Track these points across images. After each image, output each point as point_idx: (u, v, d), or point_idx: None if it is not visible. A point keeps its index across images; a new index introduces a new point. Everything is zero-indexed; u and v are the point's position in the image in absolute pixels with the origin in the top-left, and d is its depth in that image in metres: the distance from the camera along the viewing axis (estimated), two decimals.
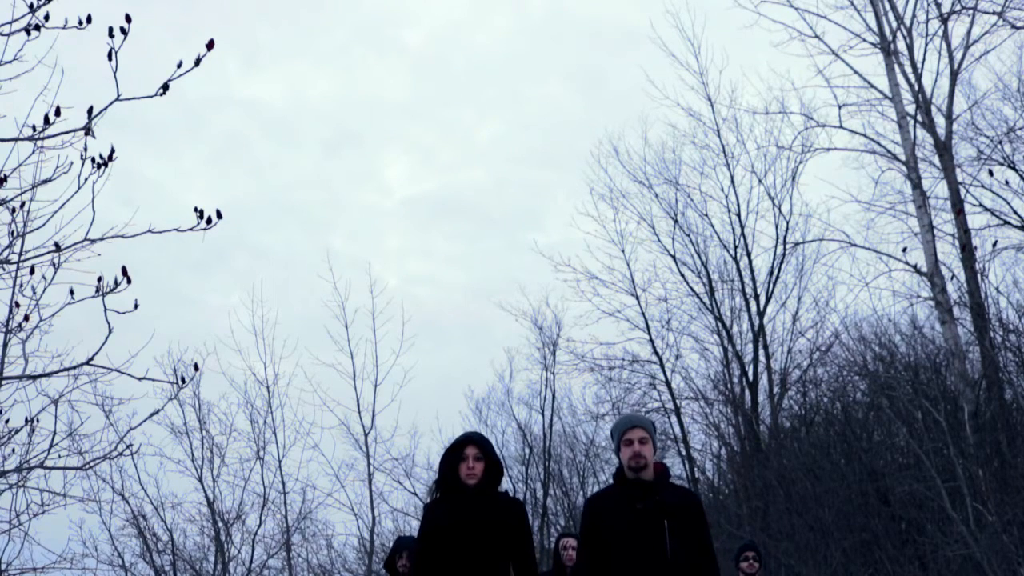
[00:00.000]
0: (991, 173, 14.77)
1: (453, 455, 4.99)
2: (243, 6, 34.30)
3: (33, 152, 5.60)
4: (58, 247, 5.76)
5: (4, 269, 6.19)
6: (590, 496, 5.24)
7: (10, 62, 5.49)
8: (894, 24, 15.99)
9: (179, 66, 5.25)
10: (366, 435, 18.74)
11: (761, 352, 18.06)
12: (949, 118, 15.34)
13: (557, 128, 32.16)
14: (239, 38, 32.73)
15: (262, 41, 33.65)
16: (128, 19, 5.12)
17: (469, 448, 4.97)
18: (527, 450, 21.54)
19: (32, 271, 6.03)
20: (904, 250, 14.65)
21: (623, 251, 19.38)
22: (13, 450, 7.11)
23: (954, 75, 15.46)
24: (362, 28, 34.67)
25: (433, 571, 4.85)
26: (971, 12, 15.35)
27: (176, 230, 5.62)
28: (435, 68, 33.22)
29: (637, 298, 19.20)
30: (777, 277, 18.26)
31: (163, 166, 30.99)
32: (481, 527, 4.82)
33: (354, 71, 34.05)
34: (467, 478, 4.91)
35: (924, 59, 15.78)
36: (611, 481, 5.25)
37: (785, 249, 18.22)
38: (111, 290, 5.57)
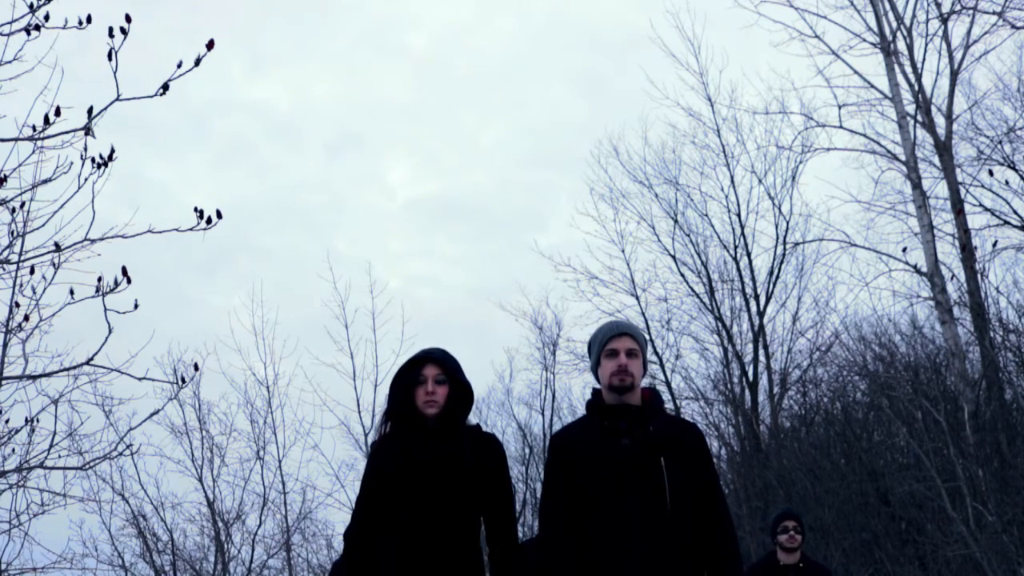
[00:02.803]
0: (991, 173, 14.77)
1: (407, 377, 3.83)
2: (247, 10, 34.37)
3: (33, 152, 5.60)
4: (58, 247, 5.76)
5: (4, 269, 6.19)
6: (556, 432, 3.88)
7: (10, 62, 5.49)
8: (894, 24, 16.01)
9: (179, 66, 5.25)
10: (366, 435, 18.72)
11: (761, 352, 18.06)
12: (949, 118, 15.34)
13: (559, 131, 32.21)
14: (244, 42, 32.80)
15: (266, 45, 33.73)
16: (128, 19, 5.13)
17: (428, 367, 3.81)
18: (527, 450, 21.57)
19: (32, 271, 6.04)
20: (904, 250, 14.66)
21: (623, 251, 19.40)
22: (13, 450, 7.11)
23: (954, 75, 15.46)
24: (366, 32, 34.76)
25: (378, 528, 3.72)
26: (971, 12, 15.37)
27: (176, 230, 5.63)
28: (438, 71, 33.30)
29: (637, 298, 19.20)
30: (777, 277, 18.28)
31: (168, 168, 31.09)
32: (443, 469, 3.69)
33: (358, 74, 34.15)
34: (425, 406, 3.76)
35: (924, 59, 15.81)
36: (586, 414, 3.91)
37: (785, 249, 18.24)
38: (111, 290, 5.57)
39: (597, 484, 3.58)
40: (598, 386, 3.89)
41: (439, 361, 3.85)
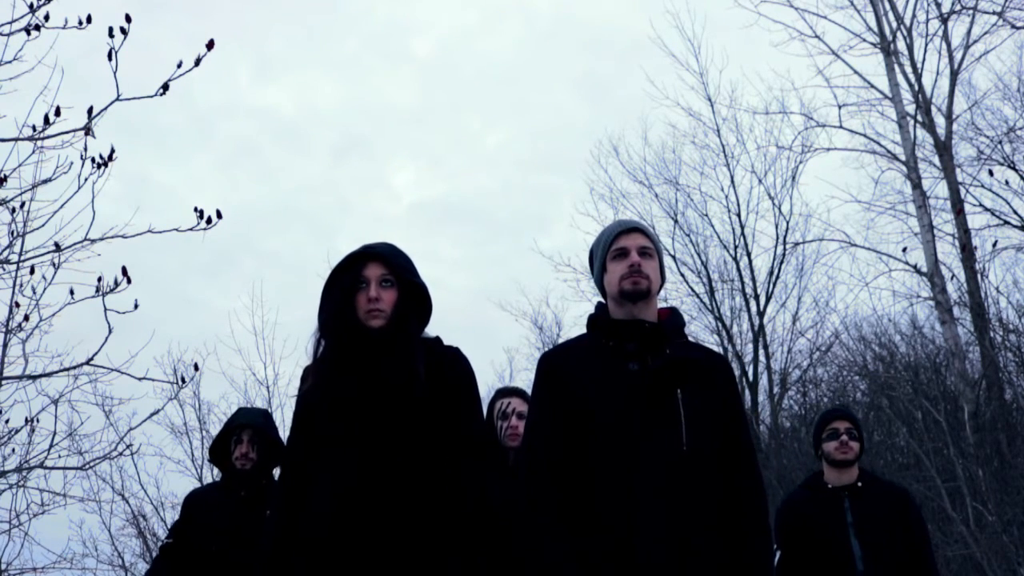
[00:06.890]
0: (991, 173, 14.78)
1: (344, 282, 2.90)
2: (254, 15, 34.45)
3: (33, 152, 5.59)
4: (58, 247, 5.75)
5: (4, 269, 6.19)
6: (545, 352, 3.02)
7: (10, 62, 5.49)
8: (894, 24, 16.02)
9: (179, 66, 5.25)
10: None
11: (761, 352, 18.07)
12: (949, 118, 15.35)
13: (563, 134, 32.29)
14: (250, 46, 32.87)
15: (273, 49, 33.80)
16: (128, 19, 5.12)
17: (371, 267, 2.89)
18: None
19: (32, 271, 6.03)
20: (904, 250, 14.66)
21: None
22: (13, 450, 7.10)
23: (954, 75, 15.47)
24: (372, 37, 34.83)
25: (308, 470, 2.80)
26: (971, 12, 15.38)
27: (176, 230, 5.61)
28: (443, 75, 33.36)
29: None
30: (777, 277, 18.28)
31: (174, 171, 31.14)
32: (393, 399, 2.77)
33: (363, 79, 34.24)
34: (368, 317, 2.85)
35: (924, 59, 15.82)
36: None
37: (785, 249, 18.25)
38: (111, 290, 5.56)
39: (595, 419, 2.77)
40: (603, 301, 3.11)
41: (384, 257, 2.90)
